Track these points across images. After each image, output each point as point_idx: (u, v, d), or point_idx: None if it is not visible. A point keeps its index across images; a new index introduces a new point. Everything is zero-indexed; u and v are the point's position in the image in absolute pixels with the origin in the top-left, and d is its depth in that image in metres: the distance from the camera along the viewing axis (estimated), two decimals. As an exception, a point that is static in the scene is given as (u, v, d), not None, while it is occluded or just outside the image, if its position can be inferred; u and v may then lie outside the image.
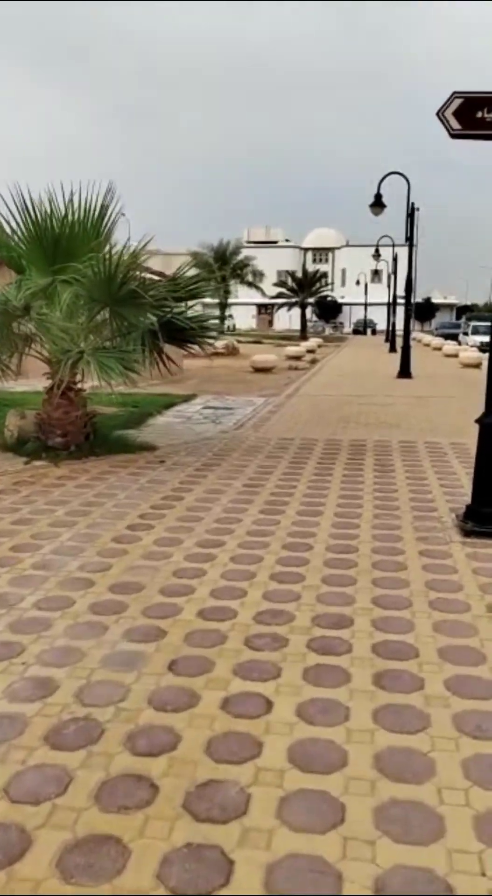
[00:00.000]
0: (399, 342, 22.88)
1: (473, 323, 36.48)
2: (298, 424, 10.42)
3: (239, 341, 42.93)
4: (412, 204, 17.58)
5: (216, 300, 58.45)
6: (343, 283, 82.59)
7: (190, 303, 8.65)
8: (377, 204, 17.64)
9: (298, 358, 27.23)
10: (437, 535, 5.14)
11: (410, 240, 17.59)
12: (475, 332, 33.53)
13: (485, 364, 22.73)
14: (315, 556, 4.68)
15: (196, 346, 8.53)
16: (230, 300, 74.26)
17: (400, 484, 6.67)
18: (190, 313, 8.56)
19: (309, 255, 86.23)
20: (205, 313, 8.31)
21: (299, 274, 52.64)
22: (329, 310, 72.88)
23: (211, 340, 8.28)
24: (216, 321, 8.43)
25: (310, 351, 33.06)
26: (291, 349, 27.91)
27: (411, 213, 17.61)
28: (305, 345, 34.37)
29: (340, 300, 78.95)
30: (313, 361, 26.03)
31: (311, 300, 51.17)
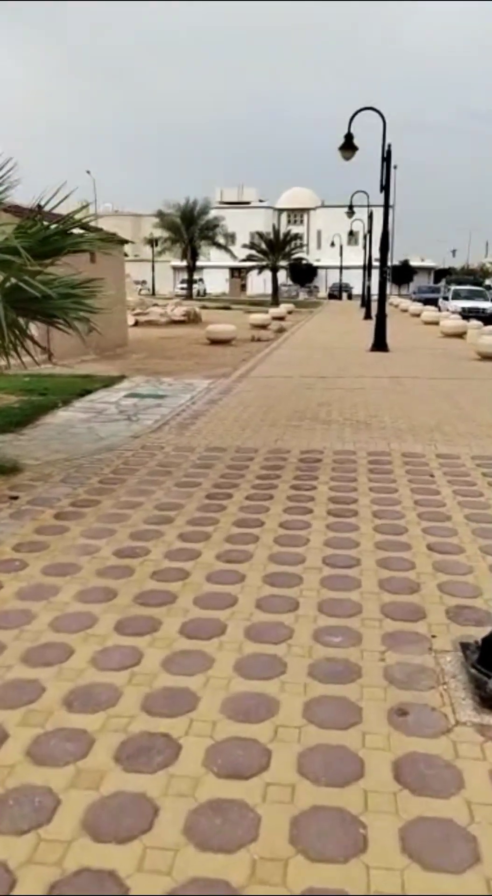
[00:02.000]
0: (375, 308, 20.41)
1: (454, 287, 33.95)
2: (238, 424, 8.02)
3: (205, 307, 40.25)
4: (389, 146, 15.02)
5: (184, 262, 55.55)
6: (319, 246, 79.49)
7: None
8: (348, 146, 15.02)
9: (263, 327, 24.68)
10: (425, 705, 2.67)
11: (385, 188, 15.05)
12: (457, 296, 31.04)
13: (470, 333, 20.45)
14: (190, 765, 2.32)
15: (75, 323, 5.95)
16: (202, 263, 71.32)
17: (364, 551, 4.30)
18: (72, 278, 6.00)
19: (284, 216, 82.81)
20: (70, 277, 5.74)
21: (271, 235, 49.55)
22: (303, 273, 69.92)
23: (83, 315, 5.70)
24: (97, 289, 5.84)
25: (278, 318, 30.52)
26: (256, 317, 25.34)
27: (387, 157, 15.04)
28: (273, 311, 31.79)
29: (315, 263, 75.90)
30: (280, 331, 23.53)
31: (283, 263, 48.26)
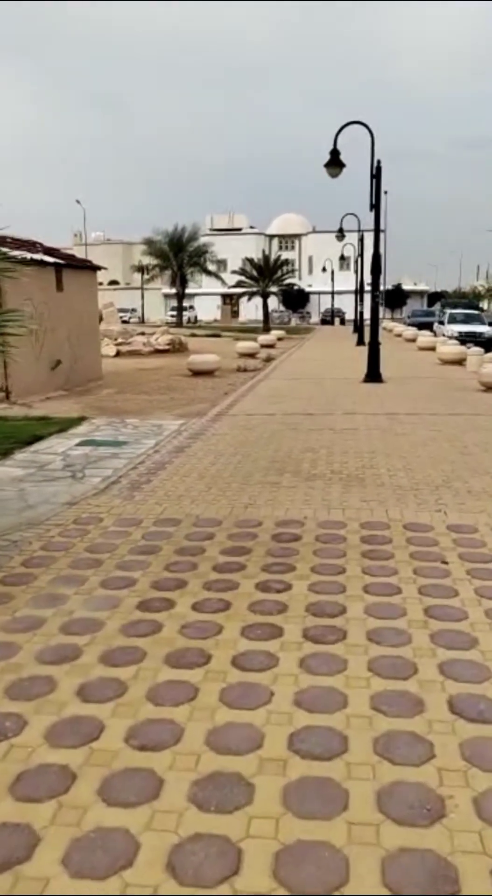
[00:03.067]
0: (368, 334, 19.08)
1: (449, 311, 32.73)
2: (204, 480, 6.61)
3: (194, 335, 39.08)
4: (378, 162, 13.82)
5: (173, 290, 54.59)
6: (310, 272, 78.81)
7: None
8: (334, 163, 13.83)
9: (250, 355, 23.44)
10: None
11: (376, 207, 13.82)
12: (453, 320, 29.83)
13: (471, 360, 19.16)
14: None
15: None
16: (193, 290, 70.44)
17: (356, 715, 2.88)
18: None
19: (275, 242, 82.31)
20: None
21: (262, 261, 48.60)
22: (295, 299, 69.14)
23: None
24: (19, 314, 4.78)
25: (268, 346, 29.31)
26: (243, 345, 24.10)
27: (377, 174, 13.84)
28: (262, 339, 30.59)
29: (307, 289, 75.16)
30: (268, 359, 22.23)
31: (274, 289, 47.23)
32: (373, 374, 14.86)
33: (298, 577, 4.19)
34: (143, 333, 28.19)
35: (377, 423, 9.91)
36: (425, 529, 5.07)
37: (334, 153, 13.89)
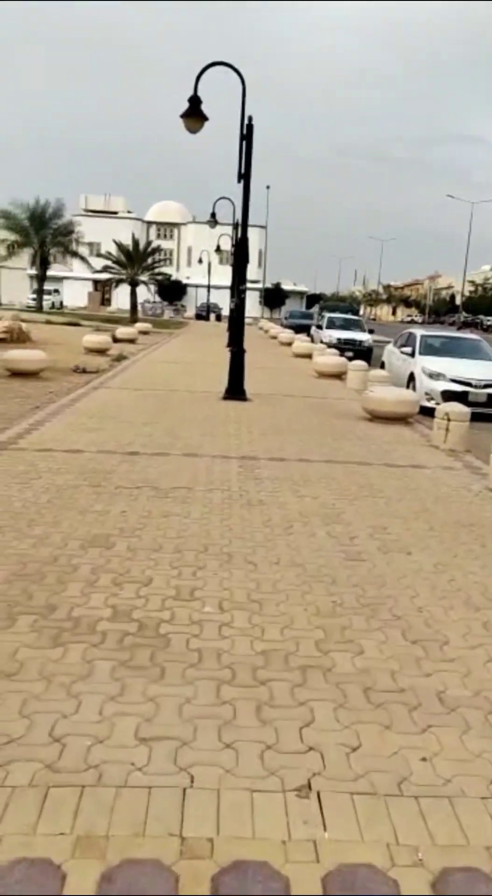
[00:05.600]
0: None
1: (328, 314, 30.43)
2: None
3: (49, 322, 34.54)
4: (249, 118, 10.73)
5: (33, 270, 49.48)
6: (188, 263, 75.44)
7: None
8: (194, 112, 10.59)
9: (100, 352, 19.80)
10: None
11: (245, 177, 10.70)
12: (331, 325, 27.48)
13: (352, 375, 16.58)
14: None
15: None
16: (62, 273, 64.93)
17: None
18: None
19: (153, 229, 78.25)
20: None
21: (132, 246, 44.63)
22: (171, 291, 65.47)
23: None
24: None
25: (127, 340, 25.71)
26: (92, 339, 20.38)
27: (247, 133, 10.71)
28: (122, 331, 26.90)
29: (185, 281, 71.70)
30: (119, 358, 18.68)
31: (144, 277, 43.41)
32: (235, 389, 11.78)
33: None
34: (-27, 318, 23.69)
35: (225, 475, 6.76)
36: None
37: (194, 101, 10.62)
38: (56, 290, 62.77)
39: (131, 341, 25.92)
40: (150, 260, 42.55)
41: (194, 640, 3.40)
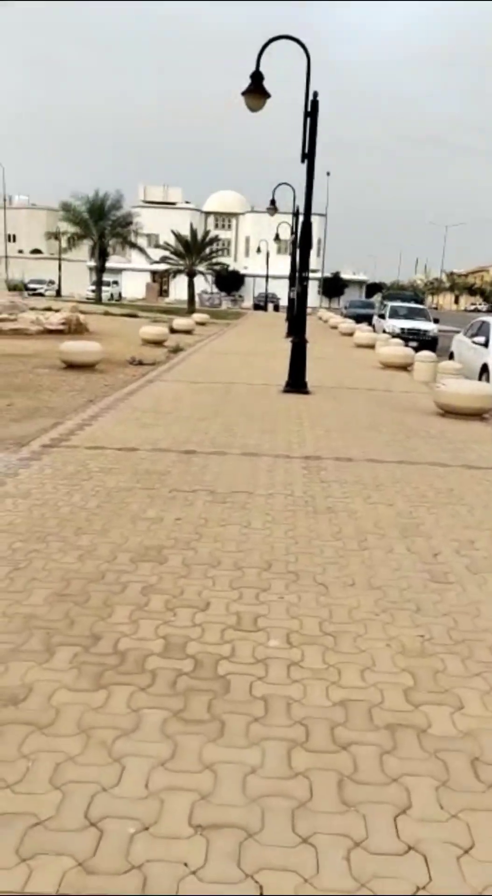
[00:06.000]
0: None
1: (391, 304, 29.38)
2: None
3: (108, 313, 34.61)
4: (314, 94, 10.09)
5: (93, 262, 49.77)
6: (247, 253, 74.97)
7: None
8: (256, 90, 10.01)
9: (157, 343, 19.48)
10: None
11: (309, 156, 10.07)
12: (394, 314, 26.50)
13: (419, 367, 15.75)
14: None
15: None
16: (121, 264, 65.28)
17: None
18: None
19: (211, 220, 77.93)
20: None
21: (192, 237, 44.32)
22: (229, 281, 65.05)
23: None
24: None
25: (184, 331, 25.38)
26: (149, 330, 20.07)
27: (312, 110, 10.07)
28: (179, 322, 26.60)
29: (243, 271, 71.17)
30: (176, 350, 18.30)
31: (201, 267, 43.08)
32: (296, 382, 11.20)
33: None
34: (33, 309, 23.74)
35: (288, 477, 6.22)
36: None
37: (256, 76, 10.04)
38: (115, 282, 63.07)
39: (188, 332, 25.59)
40: (207, 250, 42.18)
41: (259, 684, 2.88)
